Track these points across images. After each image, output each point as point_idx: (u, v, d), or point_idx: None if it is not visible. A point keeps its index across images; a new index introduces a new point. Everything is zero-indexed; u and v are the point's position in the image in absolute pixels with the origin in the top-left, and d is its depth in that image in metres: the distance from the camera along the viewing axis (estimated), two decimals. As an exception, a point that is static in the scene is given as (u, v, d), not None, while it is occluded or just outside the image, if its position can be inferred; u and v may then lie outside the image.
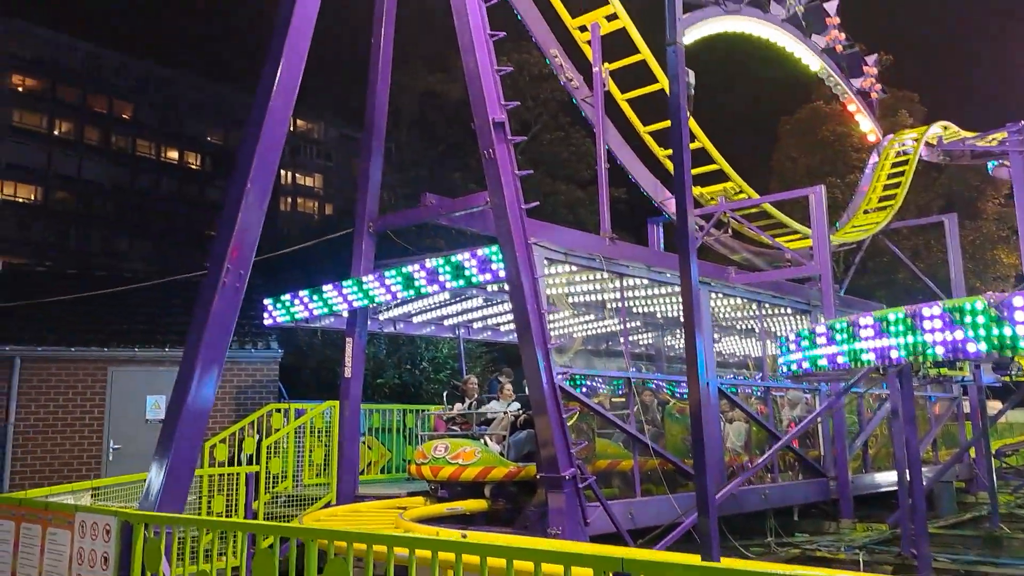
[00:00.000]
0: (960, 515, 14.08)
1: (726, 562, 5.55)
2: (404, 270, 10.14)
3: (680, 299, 14.02)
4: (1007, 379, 15.06)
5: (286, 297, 11.95)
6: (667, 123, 16.24)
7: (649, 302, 14.29)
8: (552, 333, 11.86)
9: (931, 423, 17.06)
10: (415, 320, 14.13)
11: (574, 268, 11.39)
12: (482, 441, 10.06)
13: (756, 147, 35.76)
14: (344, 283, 11.08)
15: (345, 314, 11.77)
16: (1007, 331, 8.09)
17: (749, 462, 12.65)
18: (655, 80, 14.66)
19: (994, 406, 19.55)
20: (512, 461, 9.86)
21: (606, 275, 11.82)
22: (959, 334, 8.48)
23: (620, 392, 12.24)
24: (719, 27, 11.53)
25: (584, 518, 9.14)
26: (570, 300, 13.51)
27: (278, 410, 11.74)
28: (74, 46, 59.88)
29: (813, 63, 13.98)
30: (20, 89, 57.54)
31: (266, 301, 12.35)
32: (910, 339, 8.70)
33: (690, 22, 10.43)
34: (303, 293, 11.68)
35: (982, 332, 8.23)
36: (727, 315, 15.99)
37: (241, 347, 14.78)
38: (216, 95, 66.34)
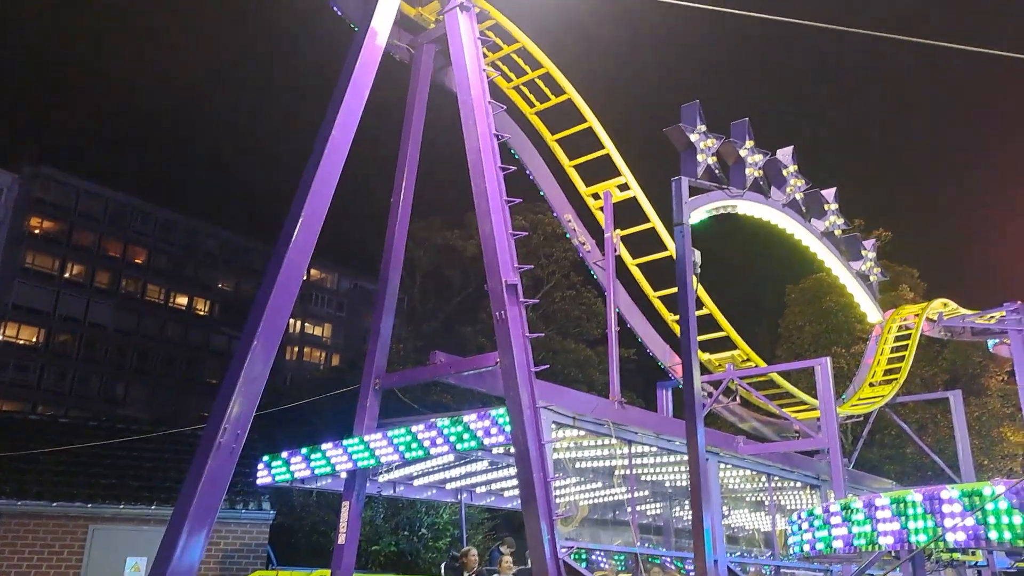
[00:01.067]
0: None
1: None
2: (412, 429, 10.09)
3: (681, 468, 13.87)
4: (1021, 564, 14.52)
5: (285, 455, 11.75)
6: (676, 289, 16.81)
7: (657, 470, 14.07)
8: (558, 500, 11.62)
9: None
10: (416, 483, 13.85)
11: (582, 432, 11.32)
12: (482, 616, 9.60)
13: (765, 313, 36.38)
14: (347, 441, 10.96)
15: (344, 475, 11.53)
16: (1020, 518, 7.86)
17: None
18: (664, 247, 15.23)
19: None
20: (513, 639, 9.37)
21: (614, 441, 11.73)
22: (976, 520, 8.27)
23: (627, 567, 11.78)
24: (724, 209, 12.17)
25: None
26: (577, 466, 13.31)
27: (266, 578, 11.26)
28: (95, 191, 62.24)
29: (813, 245, 14.58)
30: (36, 231, 59.11)
31: (263, 458, 12.12)
32: (928, 523, 8.48)
33: (695, 205, 11.03)
34: (304, 451, 11.51)
35: (1005, 519, 8.01)
36: (736, 487, 15.67)
37: (231, 507, 14.33)
38: (230, 243, 68.32)
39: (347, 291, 72.19)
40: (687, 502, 15.81)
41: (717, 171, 11.80)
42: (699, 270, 10.19)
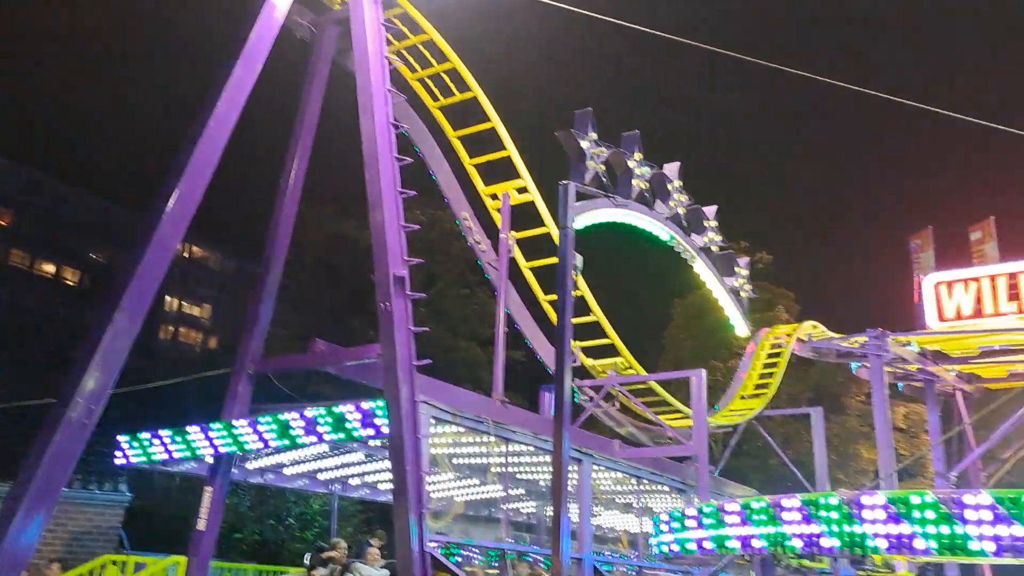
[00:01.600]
0: None
1: None
2: (280, 417, 9.91)
3: (567, 469, 14.21)
4: (863, 574, 15.65)
5: (144, 435, 11.29)
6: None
7: (534, 469, 14.35)
8: (432, 496, 11.67)
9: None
10: (287, 472, 13.59)
11: (461, 429, 11.42)
12: (343, 608, 9.53)
13: (653, 325, 37.64)
14: (212, 425, 10.65)
15: (209, 459, 11.19)
16: (856, 528, 8.46)
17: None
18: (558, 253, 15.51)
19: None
20: (374, 632, 9.35)
21: (493, 439, 11.88)
22: (815, 528, 8.83)
23: (496, 564, 11.98)
24: (608, 217, 12.55)
25: None
26: (454, 462, 13.40)
27: (114, 562, 10.78)
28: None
29: (690, 259, 15.25)
30: None
31: (120, 438, 11.59)
32: (771, 529, 9.02)
33: (581, 210, 11.31)
34: (164, 432, 11.08)
35: (835, 528, 8.59)
36: (608, 488, 16.17)
37: (84, 487, 13.65)
38: (105, 212, 64.36)
39: (231, 272, 69.45)
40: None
41: (605, 179, 12.16)
42: (579, 273, 10.44)
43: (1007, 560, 11.15)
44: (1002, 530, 7.59)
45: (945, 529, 7.88)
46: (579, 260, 9.52)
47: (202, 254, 68.57)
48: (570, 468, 13.80)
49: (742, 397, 21.74)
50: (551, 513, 16.65)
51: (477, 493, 14.77)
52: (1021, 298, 25.40)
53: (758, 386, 22.24)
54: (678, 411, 19.25)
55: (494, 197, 15.14)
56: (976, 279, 26.33)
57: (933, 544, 7.93)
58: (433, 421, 10.55)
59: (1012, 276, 25.81)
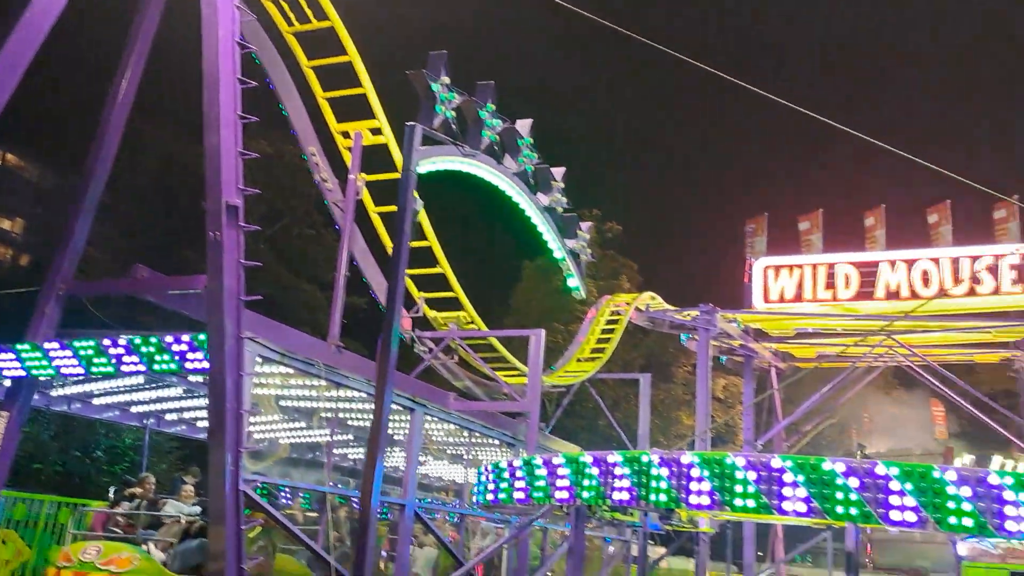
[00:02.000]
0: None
1: None
2: (93, 343, 9.28)
3: (398, 417, 14.26)
4: (670, 527, 16.84)
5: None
6: (418, 243, 17.05)
7: (365, 416, 14.25)
8: (255, 437, 11.34)
9: (604, 562, 18.43)
10: (96, 402, 12.78)
11: (290, 370, 11.13)
12: (144, 547, 9.14)
13: (501, 284, 38.25)
14: (20, 346, 9.84)
15: (7, 383, 10.34)
16: (673, 484, 9.02)
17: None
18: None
19: (658, 551, 21.62)
20: (176, 573, 9.03)
21: (324, 383, 11.68)
22: (632, 482, 9.35)
23: (316, 507, 11.87)
24: (454, 165, 12.48)
25: (246, 641, 8.53)
26: (280, 404, 13.08)
27: None
28: None
29: (534, 217, 15.47)
30: None
31: None
32: (588, 483, 9.48)
33: (426, 155, 11.19)
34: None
35: (653, 484, 9.12)
36: (440, 439, 16.38)
37: None
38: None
39: (51, 187, 63.50)
40: (394, 449, 16.27)
41: (455, 127, 12.07)
42: (416, 218, 10.35)
43: (804, 521, 12.33)
44: (801, 492, 8.23)
45: (751, 489, 8.50)
46: (419, 204, 9.43)
47: (18, 163, 62.25)
48: (402, 417, 13.92)
49: (579, 360, 22.58)
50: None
51: (303, 436, 14.55)
52: (836, 287, 27.87)
53: (595, 350, 23.17)
54: (515, 369, 19.72)
55: (346, 135, 14.66)
56: (800, 266, 28.60)
57: (715, 500, 8.54)
58: (259, 360, 10.22)
59: (830, 266, 28.22)
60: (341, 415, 12.28)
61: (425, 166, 11.16)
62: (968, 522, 7.43)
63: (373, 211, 15.81)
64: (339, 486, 13.63)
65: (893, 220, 29.32)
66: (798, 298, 27.82)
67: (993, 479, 7.49)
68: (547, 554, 16.32)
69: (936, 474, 7.55)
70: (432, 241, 16.68)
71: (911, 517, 7.60)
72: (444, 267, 17.18)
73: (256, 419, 12.54)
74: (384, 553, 13.27)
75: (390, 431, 15.20)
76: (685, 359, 35.74)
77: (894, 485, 7.67)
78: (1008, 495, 7.36)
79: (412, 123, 10.89)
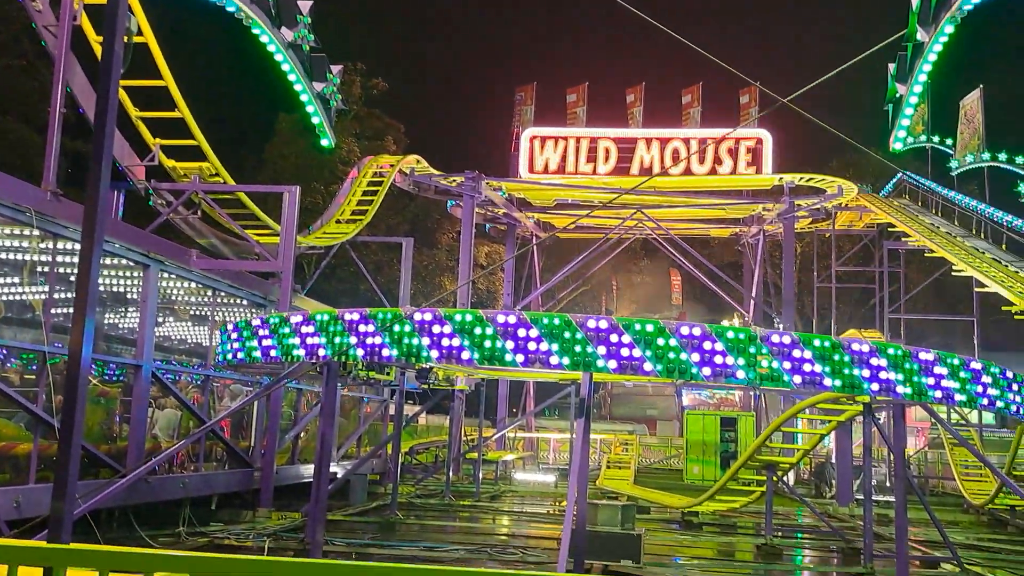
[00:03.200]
0: (368, 504, 16.11)
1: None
2: None
3: (131, 274, 13.48)
4: (426, 386, 17.84)
5: None
6: (151, 81, 15.64)
7: (91, 273, 13.33)
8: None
9: (360, 421, 19.25)
10: None
11: (-7, 218, 10.06)
12: None
13: (253, 136, 36.09)
14: None
15: None
16: (415, 341, 9.48)
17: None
18: (140, 31, 13.88)
19: (415, 410, 22.89)
20: None
21: (38, 233, 10.71)
22: (378, 339, 9.71)
23: (34, 368, 11.14)
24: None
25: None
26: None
27: None
28: None
29: (277, 53, 14.76)
30: None
31: None
32: (337, 339, 9.75)
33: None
34: None
35: (406, 340, 9.51)
36: (180, 298, 15.79)
37: None
38: None
39: None
40: (125, 308, 15.44)
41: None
42: (131, 38, 9.51)
43: (551, 376, 13.51)
44: (544, 346, 8.98)
45: (488, 344, 9.16)
46: (133, 23, 8.63)
47: None
48: (135, 273, 13.20)
49: (338, 221, 22.46)
50: (112, 320, 15.86)
51: (17, 294, 13.33)
52: (597, 160, 29.77)
53: (356, 212, 23.13)
54: (268, 228, 19.22)
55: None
56: (565, 138, 30.11)
57: (475, 355, 9.20)
58: (-46, 205, 9.13)
59: (593, 140, 29.99)
60: (61, 270, 11.36)
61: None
62: (694, 371, 8.64)
63: (96, 41, 14.18)
64: (60, 345, 12.80)
65: (653, 98, 31.54)
66: (561, 170, 29.45)
67: (715, 335, 8.72)
68: (302, 414, 16.68)
69: (668, 330, 8.66)
70: (168, 80, 15.40)
71: (648, 367, 8.72)
72: (183, 111, 16.02)
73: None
74: (118, 417, 12.86)
75: (123, 289, 14.42)
76: (450, 226, 36.71)
77: (626, 339, 8.70)
78: (731, 349, 8.61)
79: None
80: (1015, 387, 9.94)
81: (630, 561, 11.00)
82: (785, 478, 17.12)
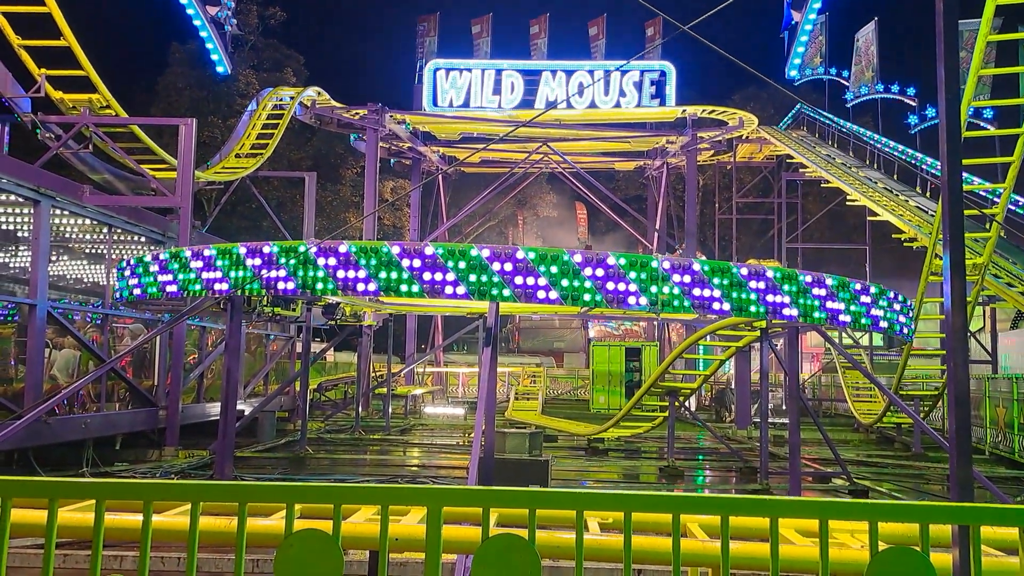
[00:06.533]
0: (276, 440, 16.35)
1: None
2: None
3: (21, 210, 13.02)
4: (334, 322, 18.00)
5: None
6: (33, 8, 14.84)
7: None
8: None
9: (267, 359, 19.29)
10: None
11: None
12: None
13: (145, 68, 34.46)
14: None
15: None
16: (312, 272, 9.55)
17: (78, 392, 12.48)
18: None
19: (322, 346, 23.05)
20: None
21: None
22: (276, 272, 9.76)
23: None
24: None
25: None
26: None
27: None
28: None
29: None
30: None
31: None
32: (233, 273, 9.78)
33: None
34: None
35: (312, 274, 9.59)
36: (75, 236, 15.35)
37: None
38: None
39: None
40: (15, 246, 14.91)
41: None
42: None
43: (457, 310, 13.81)
44: (451, 276, 9.23)
45: (383, 274, 9.39)
46: None
47: None
48: (25, 210, 12.77)
49: (237, 155, 21.98)
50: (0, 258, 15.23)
51: None
52: (503, 93, 29.79)
53: (255, 146, 22.66)
54: (165, 162, 18.71)
55: None
56: (470, 70, 29.95)
57: (373, 286, 9.42)
58: None
59: (498, 72, 29.96)
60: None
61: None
62: (587, 297, 9.05)
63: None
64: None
65: (559, 31, 31.66)
66: (467, 103, 29.38)
67: (611, 260, 9.14)
68: (206, 352, 16.62)
69: (566, 257, 9.00)
70: (52, 6, 14.67)
71: (553, 295, 9.08)
72: (69, 39, 15.33)
73: None
74: (13, 360, 12.60)
75: (14, 227, 13.91)
76: (354, 160, 36.25)
77: (531, 267, 9.04)
78: (625, 274, 9.06)
79: None
80: (897, 307, 10.80)
81: (538, 486, 11.64)
82: (687, 404, 18.06)
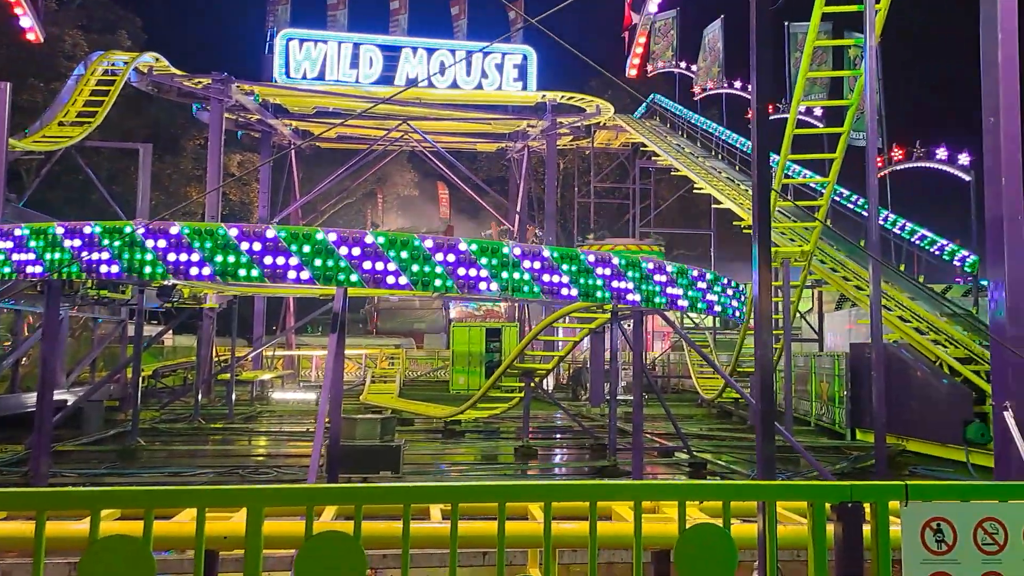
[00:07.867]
0: (104, 432, 15.34)
1: None
2: None
3: None
4: (170, 305, 17.03)
5: None
6: None
7: None
8: None
9: (94, 344, 18.06)
10: None
11: None
12: None
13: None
14: None
15: None
16: (138, 256, 8.94)
17: None
18: None
19: (157, 330, 21.83)
20: None
21: None
22: (98, 255, 9.06)
23: None
24: None
25: None
26: None
27: None
28: None
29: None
30: None
31: None
32: (49, 255, 9.02)
33: None
34: None
35: (139, 256, 8.90)
36: None
37: None
38: None
39: None
40: None
41: None
42: None
43: (305, 292, 13.32)
44: (294, 260, 8.82)
45: (220, 258, 8.90)
46: None
47: None
48: None
49: (61, 123, 20.39)
50: None
51: None
52: (360, 68, 29.05)
53: (83, 114, 21.08)
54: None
55: None
56: (325, 42, 29.00)
57: (208, 270, 8.91)
58: None
59: (356, 46, 29.18)
60: None
61: None
62: (439, 283, 8.95)
63: None
64: None
65: (420, 8, 31.16)
66: (321, 76, 28.45)
67: (463, 246, 9.07)
68: (22, 338, 15.35)
69: (417, 243, 8.84)
70: None
71: (403, 280, 8.90)
72: None
73: None
74: None
75: None
76: (197, 132, 34.42)
77: (381, 252, 8.82)
78: (477, 260, 9.00)
79: None
80: (730, 292, 11.43)
81: (389, 472, 11.47)
82: (544, 384, 18.46)
